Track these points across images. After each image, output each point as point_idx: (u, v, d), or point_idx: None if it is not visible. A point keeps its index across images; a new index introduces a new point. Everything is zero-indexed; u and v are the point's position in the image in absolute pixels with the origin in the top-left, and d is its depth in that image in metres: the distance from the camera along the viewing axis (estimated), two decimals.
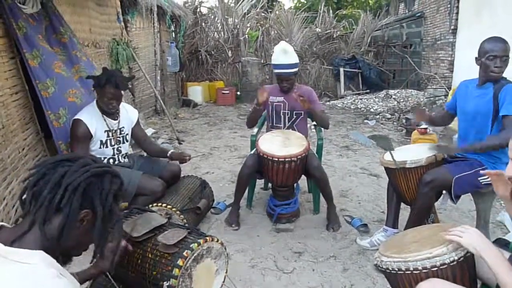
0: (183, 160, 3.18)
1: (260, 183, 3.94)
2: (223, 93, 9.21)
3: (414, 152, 2.71)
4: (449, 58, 8.77)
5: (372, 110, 8.37)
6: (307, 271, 2.72)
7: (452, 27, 8.46)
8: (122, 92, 2.81)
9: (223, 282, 1.75)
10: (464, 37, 8.05)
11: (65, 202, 1.03)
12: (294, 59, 3.36)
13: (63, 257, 1.12)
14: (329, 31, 10.40)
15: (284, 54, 3.33)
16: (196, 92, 9.11)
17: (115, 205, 1.13)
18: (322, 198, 3.43)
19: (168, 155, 3.17)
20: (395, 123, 7.21)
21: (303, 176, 3.43)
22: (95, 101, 2.91)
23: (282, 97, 3.47)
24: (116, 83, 2.75)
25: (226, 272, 1.77)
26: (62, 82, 3.15)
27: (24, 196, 1.09)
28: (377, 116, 7.75)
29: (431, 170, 2.53)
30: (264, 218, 3.46)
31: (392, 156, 2.64)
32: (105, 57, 4.88)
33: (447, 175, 2.48)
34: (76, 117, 2.84)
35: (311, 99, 3.40)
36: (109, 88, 2.76)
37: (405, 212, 3.13)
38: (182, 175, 3.35)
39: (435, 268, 1.60)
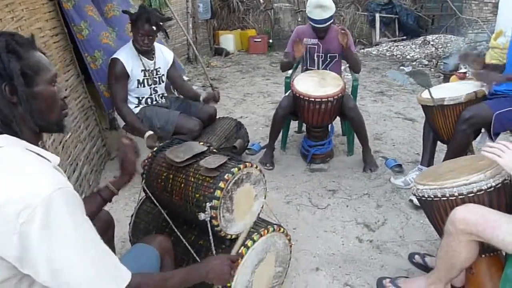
0: (215, 99, 3.20)
1: (293, 126, 3.97)
2: (255, 41, 9.08)
3: (453, 89, 2.65)
4: (494, 1, 8.25)
5: (408, 56, 8.10)
6: (341, 207, 2.78)
7: None
8: (154, 28, 2.82)
9: (262, 207, 1.83)
10: None
11: None
12: (330, 11, 3.19)
13: (47, 130, 1.12)
14: None
15: (319, 8, 3.17)
16: (228, 40, 9.02)
17: (14, 62, 1.00)
18: (356, 141, 3.44)
19: (201, 99, 3.18)
20: (432, 69, 6.98)
21: (337, 119, 3.43)
22: (131, 41, 2.95)
23: (317, 40, 3.41)
24: (149, 18, 2.76)
25: (265, 198, 1.84)
26: (95, 25, 3.20)
27: None
28: (414, 63, 7.50)
29: (470, 106, 2.47)
30: (298, 159, 3.52)
31: (430, 93, 2.59)
32: (138, 1, 4.88)
33: (487, 111, 2.42)
34: (113, 56, 2.91)
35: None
36: (142, 24, 2.78)
37: (440, 154, 3.12)
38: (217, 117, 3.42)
39: (472, 194, 1.61)
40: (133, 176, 1.59)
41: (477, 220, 1.52)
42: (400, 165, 3.24)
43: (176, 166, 1.73)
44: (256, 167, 1.73)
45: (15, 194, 0.88)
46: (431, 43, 8.51)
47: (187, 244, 1.71)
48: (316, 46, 3.42)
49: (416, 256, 2.21)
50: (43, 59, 1.08)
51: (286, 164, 3.44)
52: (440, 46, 8.27)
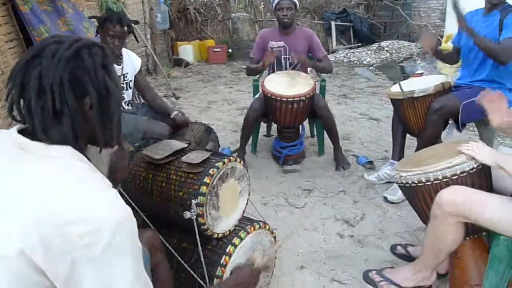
0: (186, 125, 3.01)
1: (261, 130, 3.94)
2: (215, 51, 9.04)
3: (420, 83, 2.72)
4: (441, 7, 8.69)
5: (365, 62, 8.33)
6: (318, 205, 2.77)
7: None
8: (125, 28, 2.71)
9: (246, 204, 1.78)
10: None
11: (59, 104, 0.90)
12: None
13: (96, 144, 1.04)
14: None
15: None
16: (187, 51, 8.94)
17: (107, 77, 0.97)
18: (326, 141, 3.46)
19: (171, 116, 2.99)
20: None
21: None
22: None
23: (283, 42, 3.40)
24: (119, 19, 2.66)
25: (249, 195, 1.79)
26: (54, 30, 3.09)
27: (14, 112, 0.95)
28: (371, 68, 7.72)
29: (439, 98, 2.54)
30: (270, 161, 3.49)
31: (400, 86, 2.64)
32: (95, 10, 4.75)
33: (455, 102, 2.50)
34: None
35: (313, 45, 3.38)
36: (110, 25, 2.66)
37: (408, 150, 3.18)
38: None
39: (455, 177, 1.64)
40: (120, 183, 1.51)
41: (463, 201, 1.53)
42: (371, 162, 3.29)
43: (156, 164, 1.65)
44: (240, 162, 1.68)
45: (85, 214, 0.81)
46: (386, 49, 8.81)
47: (170, 248, 1.62)
48: (282, 49, 3.42)
49: (398, 247, 2.21)
50: (117, 73, 1.04)
51: (259, 167, 3.40)
52: (394, 52, 8.58)
